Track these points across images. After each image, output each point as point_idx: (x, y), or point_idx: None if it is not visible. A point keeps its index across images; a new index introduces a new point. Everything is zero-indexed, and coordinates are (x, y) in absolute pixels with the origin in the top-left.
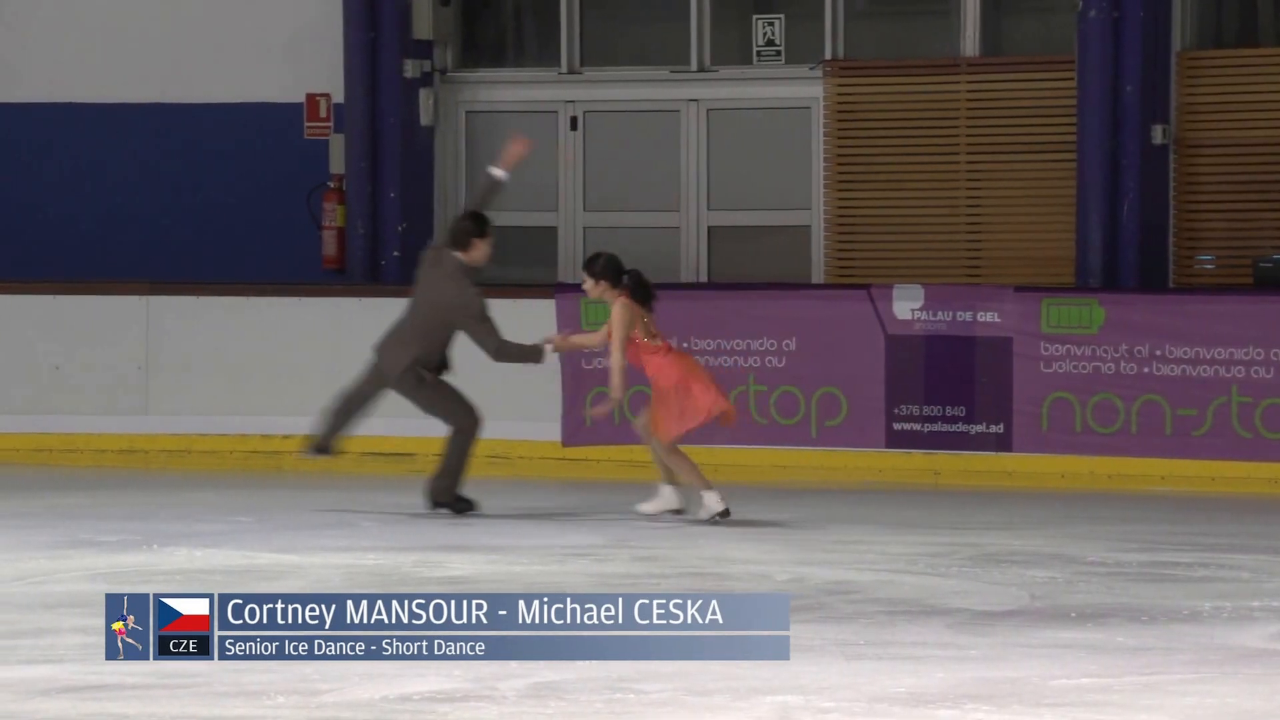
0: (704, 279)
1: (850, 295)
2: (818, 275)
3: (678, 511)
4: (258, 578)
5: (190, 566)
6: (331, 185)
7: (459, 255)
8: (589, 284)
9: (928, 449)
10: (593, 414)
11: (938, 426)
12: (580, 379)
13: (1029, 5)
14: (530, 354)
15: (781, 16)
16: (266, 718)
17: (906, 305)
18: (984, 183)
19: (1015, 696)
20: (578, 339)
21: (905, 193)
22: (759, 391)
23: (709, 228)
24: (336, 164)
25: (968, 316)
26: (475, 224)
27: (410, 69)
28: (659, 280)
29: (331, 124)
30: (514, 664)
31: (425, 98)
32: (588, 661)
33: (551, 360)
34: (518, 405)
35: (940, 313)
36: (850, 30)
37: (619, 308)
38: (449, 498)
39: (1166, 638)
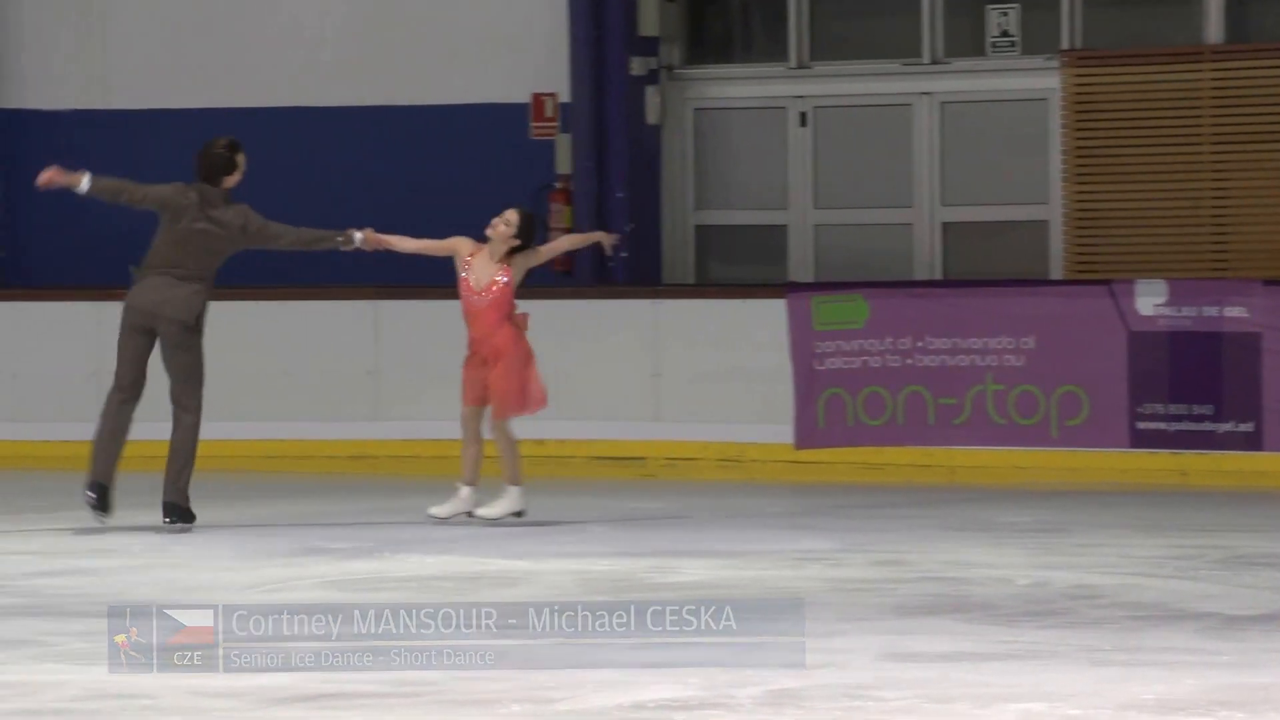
0: (939, 276)
1: (1091, 291)
2: (1056, 271)
3: (470, 514)
4: (490, 584)
5: (422, 573)
6: (558, 186)
7: (216, 189)
8: (504, 229)
9: (1174, 448)
10: (611, 244)
11: (1184, 425)
12: (813, 379)
13: None
14: (335, 236)
15: (1017, 6)
16: None
17: (1150, 300)
18: (1230, 173)
19: (1269, 703)
20: (391, 238)
21: (1147, 185)
22: (997, 391)
23: (943, 223)
24: (563, 164)
25: (1214, 312)
26: (230, 152)
27: (637, 66)
28: (893, 278)
29: (558, 123)
30: (750, 671)
31: (652, 95)
32: (824, 669)
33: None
34: (749, 407)
35: (1185, 308)
36: (1088, 19)
37: (536, 253)
38: (187, 501)
39: None
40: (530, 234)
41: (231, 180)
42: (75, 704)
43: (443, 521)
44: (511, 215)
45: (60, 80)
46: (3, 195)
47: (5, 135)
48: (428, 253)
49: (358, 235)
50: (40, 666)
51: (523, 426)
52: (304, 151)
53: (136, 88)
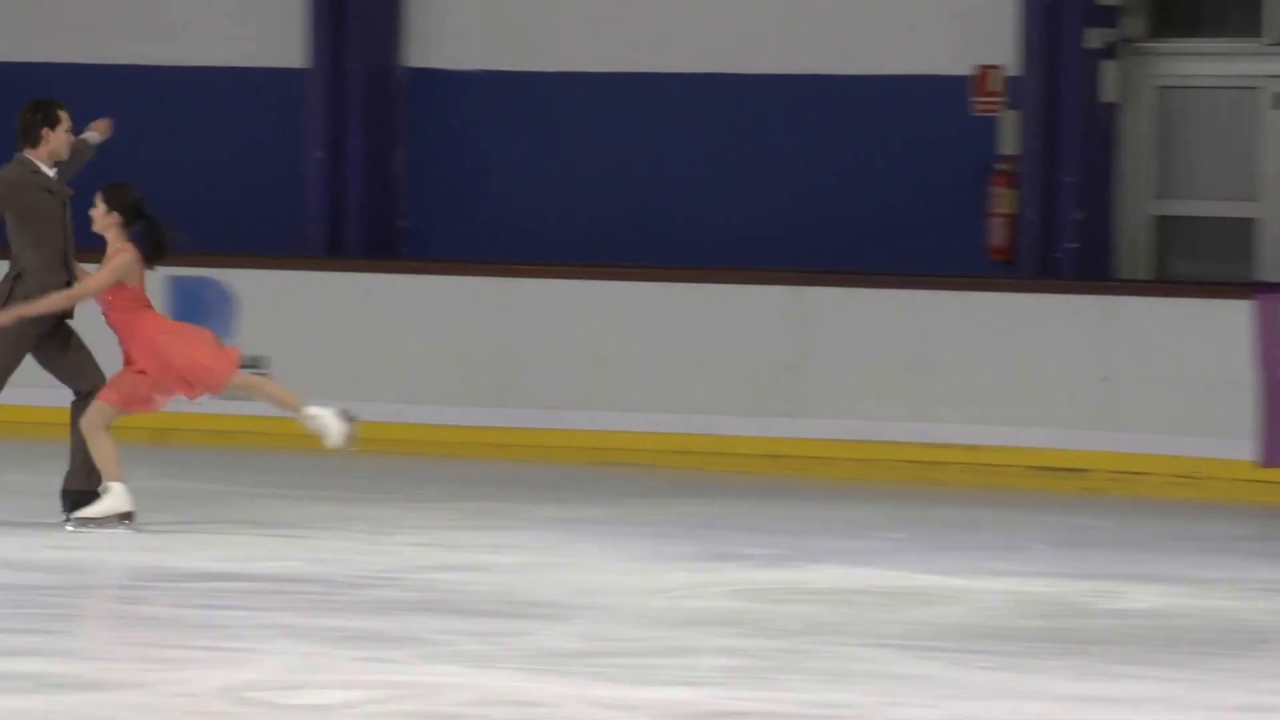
0: None
1: None
2: None
3: (127, 515)
4: (914, 601)
5: (839, 585)
6: (1001, 167)
7: (31, 153)
8: (96, 214)
9: None
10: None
11: None
12: None
13: None
14: (66, 293)
15: None
16: None
17: None
18: None
19: None
20: (21, 309)
21: None
22: None
23: None
24: (1007, 144)
25: None
26: (42, 113)
27: (1093, 39)
28: None
29: (1004, 99)
30: (1203, 713)
31: (1110, 71)
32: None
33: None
34: (1207, 420)
35: None
36: None
37: (126, 259)
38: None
39: None
40: (130, 207)
41: (44, 147)
42: (469, 709)
43: (98, 525)
44: (96, 198)
45: (470, 39)
46: (406, 159)
47: (410, 96)
48: (102, 289)
49: (56, 296)
50: (433, 667)
51: (951, 431)
52: (725, 121)
53: (553, 49)
